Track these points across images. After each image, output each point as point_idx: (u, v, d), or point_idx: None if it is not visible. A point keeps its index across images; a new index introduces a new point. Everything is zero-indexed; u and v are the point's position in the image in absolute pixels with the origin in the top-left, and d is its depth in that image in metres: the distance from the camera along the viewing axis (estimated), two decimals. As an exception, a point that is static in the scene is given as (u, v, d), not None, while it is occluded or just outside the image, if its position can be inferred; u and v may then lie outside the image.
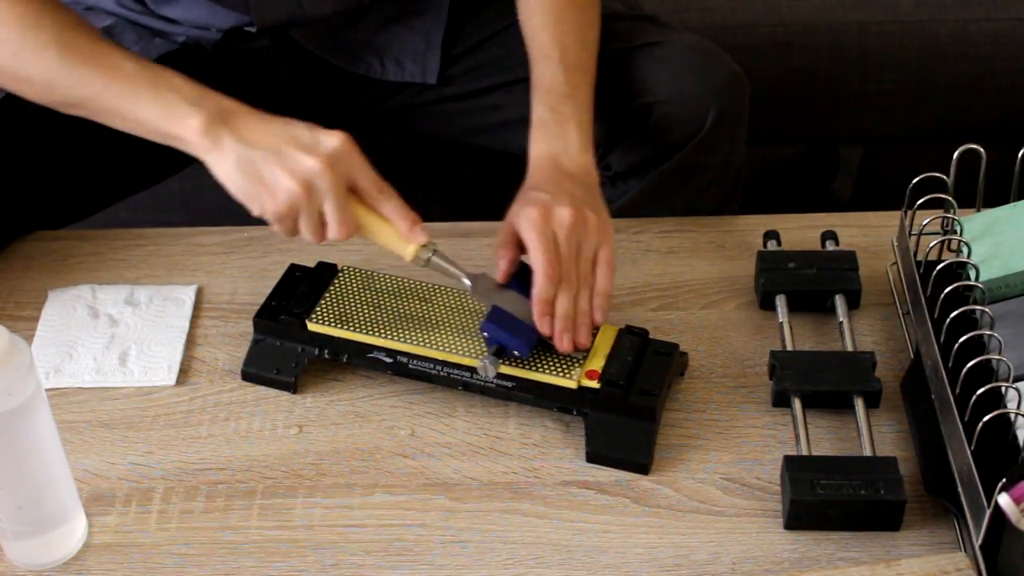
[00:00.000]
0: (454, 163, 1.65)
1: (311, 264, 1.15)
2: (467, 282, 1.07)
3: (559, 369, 1.05)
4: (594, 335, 1.07)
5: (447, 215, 1.23)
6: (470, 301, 1.11)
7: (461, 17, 1.35)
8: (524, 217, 1.05)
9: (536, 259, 1.04)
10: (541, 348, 1.06)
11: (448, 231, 1.25)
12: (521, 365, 1.05)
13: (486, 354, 1.04)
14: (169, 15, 1.28)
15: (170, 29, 1.30)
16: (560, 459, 1.05)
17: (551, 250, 1.04)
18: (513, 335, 1.04)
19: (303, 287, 1.12)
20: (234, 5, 1.25)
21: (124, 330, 1.17)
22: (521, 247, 1.07)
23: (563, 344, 1.04)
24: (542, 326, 1.04)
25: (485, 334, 1.05)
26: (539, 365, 1.05)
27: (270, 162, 1.02)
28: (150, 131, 1.07)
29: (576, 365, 1.05)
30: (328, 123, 1.46)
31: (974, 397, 0.95)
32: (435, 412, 1.09)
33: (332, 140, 1.03)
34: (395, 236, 1.05)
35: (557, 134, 1.12)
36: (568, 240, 1.05)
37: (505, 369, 1.05)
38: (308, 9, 1.26)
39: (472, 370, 1.06)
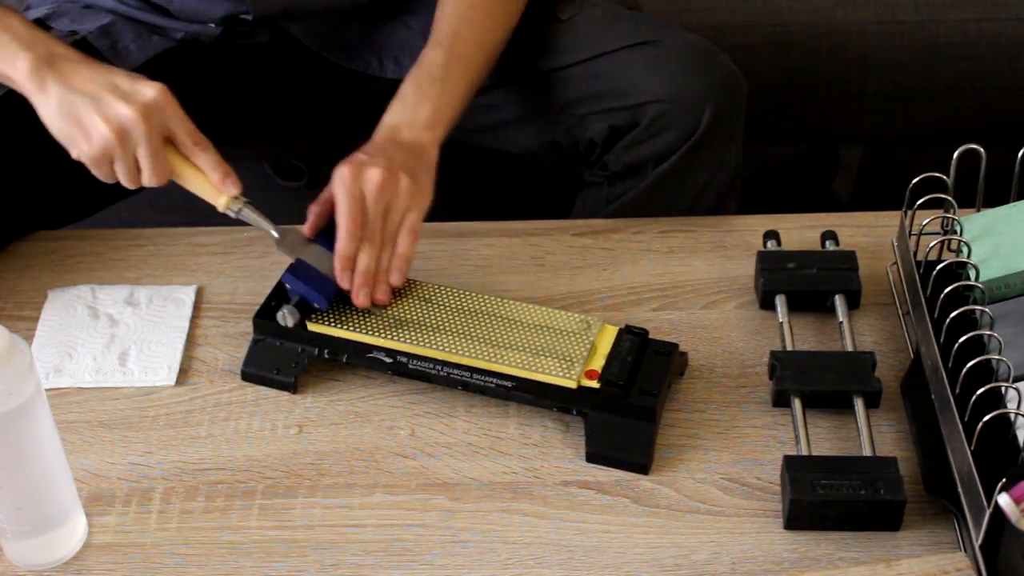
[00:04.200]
0: (453, 163, 1.65)
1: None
2: (275, 234, 1.11)
3: (559, 369, 1.05)
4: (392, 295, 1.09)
5: (446, 215, 1.23)
6: (470, 301, 1.11)
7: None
8: (336, 174, 1.09)
9: (340, 215, 1.08)
10: (342, 300, 1.09)
11: (448, 231, 1.25)
12: (521, 365, 1.05)
13: (287, 305, 1.09)
14: (164, 3, 1.28)
15: (169, 25, 1.30)
16: (560, 459, 1.05)
17: (355, 207, 1.07)
18: (313, 287, 1.08)
19: (303, 287, 1.12)
20: None
21: (124, 330, 1.17)
22: (332, 207, 1.10)
23: (359, 299, 1.08)
24: (342, 281, 1.08)
25: (287, 285, 1.09)
26: (539, 365, 1.05)
27: (88, 107, 1.07)
28: None
29: (576, 365, 1.05)
30: (328, 122, 1.47)
31: (974, 397, 0.95)
32: (435, 412, 1.09)
33: (149, 90, 1.08)
34: (209, 187, 1.11)
35: (411, 109, 1.16)
36: (376, 200, 1.08)
37: (505, 369, 1.05)
38: None
39: (472, 370, 1.06)
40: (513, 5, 1.25)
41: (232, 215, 1.11)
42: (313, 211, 1.12)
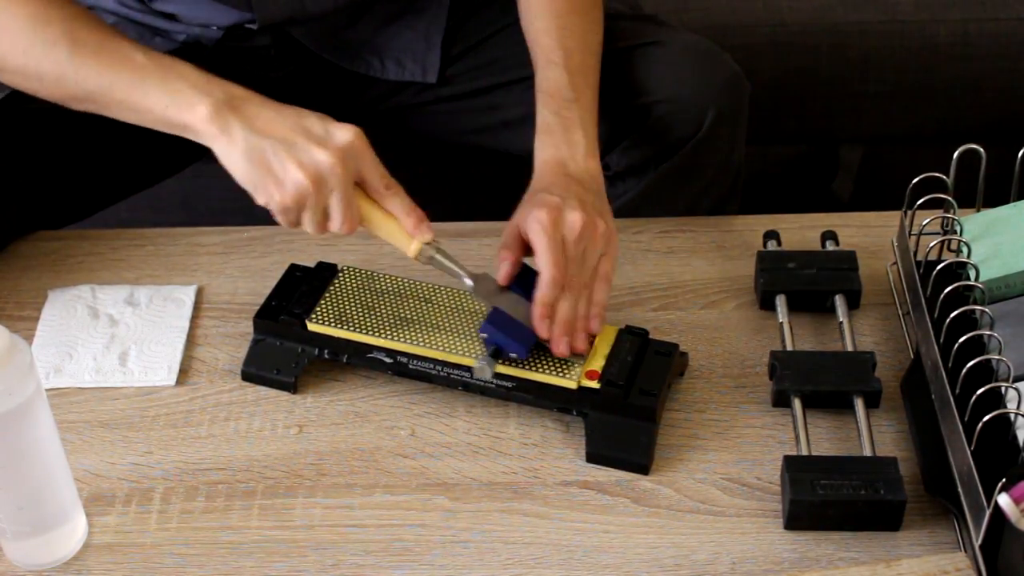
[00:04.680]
0: (454, 163, 1.65)
1: (311, 264, 1.15)
2: (469, 282, 1.06)
3: (559, 369, 1.05)
4: (590, 342, 1.07)
5: (447, 215, 1.23)
6: (470, 302, 1.11)
7: (461, 16, 1.35)
8: (533, 219, 1.04)
9: (543, 262, 1.03)
10: (538, 349, 1.05)
11: (448, 231, 1.25)
12: (521, 365, 1.05)
13: (483, 355, 1.04)
14: (170, 11, 1.28)
15: (171, 27, 1.30)
16: (560, 459, 1.05)
17: (559, 254, 1.03)
18: (512, 337, 1.04)
19: (303, 287, 1.12)
20: (236, 3, 1.25)
21: (124, 330, 1.17)
22: (523, 250, 1.07)
23: (560, 348, 1.04)
24: (541, 329, 1.04)
25: (484, 335, 1.05)
26: (539, 365, 1.05)
27: (280, 152, 1.01)
28: (159, 120, 1.06)
29: (576, 365, 1.05)
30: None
31: (974, 397, 0.95)
32: (435, 412, 1.09)
33: (345, 134, 1.02)
34: (400, 232, 1.05)
35: (563, 139, 1.12)
36: (576, 245, 1.04)
37: (505, 369, 1.05)
38: (310, 6, 1.26)
39: (472, 370, 1.06)
40: (599, 3, 1.22)
41: (422, 262, 1.06)
42: (506, 258, 1.06)
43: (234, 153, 1.03)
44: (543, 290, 1.03)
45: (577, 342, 1.04)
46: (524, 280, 1.06)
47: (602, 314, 1.06)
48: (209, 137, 1.04)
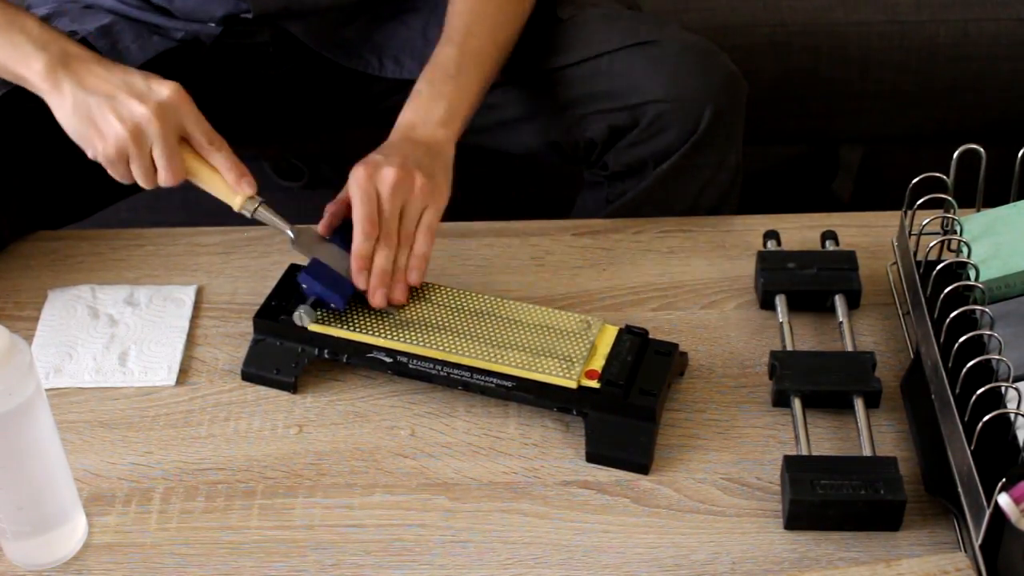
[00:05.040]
0: (453, 163, 1.65)
1: (311, 264, 1.15)
2: (290, 234, 1.11)
3: (559, 369, 1.05)
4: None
5: (446, 214, 1.23)
6: (470, 301, 1.11)
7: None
8: (351, 174, 1.09)
9: (356, 214, 1.08)
10: (357, 301, 1.08)
11: (448, 231, 1.25)
12: (521, 365, 1.05)
13: (303, 305, 1.08)
14: (165, 4, 1.28)
15: (169, 25, 1.30)
16: (560, 459, 1.05)
17: (370, 206, 1.07)
18: (329, 287, 1.08)
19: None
20: None
21: (124, 330, 1.17)
22: (349, 207, 1.10)
23: (376, 299, 1.07)
24: (358, 280, 1.07)
25: (303, 285, 1.09)
26: (539, 365, 1.05)
27: (103, 107, 1.08)
28: (1, 71, 1.13)
29: (576, 365, 1.05)
30: (328, 121, 1.47)
31: (974, 397, 0.95)
32: (435, 412, 1.09)
33: (164, 89, 1.08)
34: (224, 186, 1.11)
35: (424, 106, 1.16)
36: (391, 198, 1.08)
37: (505, 369, 1.05)
38: None
39: (472, 370, 1.06)
40: (524, 1, 1.25)
41: (247, 215, 1.11)
42: (329, 210, 1.12)
43: (64, 108, 1.10)
44: (356, 241, 1.07)
45: (394, 293, 1.08)
46: (351, 234, 1.09)
47: (422, 266, 1.10)
48: (43, 91, 1.11)
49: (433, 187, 1.11)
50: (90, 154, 1.11)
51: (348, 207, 1.10)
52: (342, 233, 1.10)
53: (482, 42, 1.20)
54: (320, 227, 1.12)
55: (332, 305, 1.09)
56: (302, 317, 1.08)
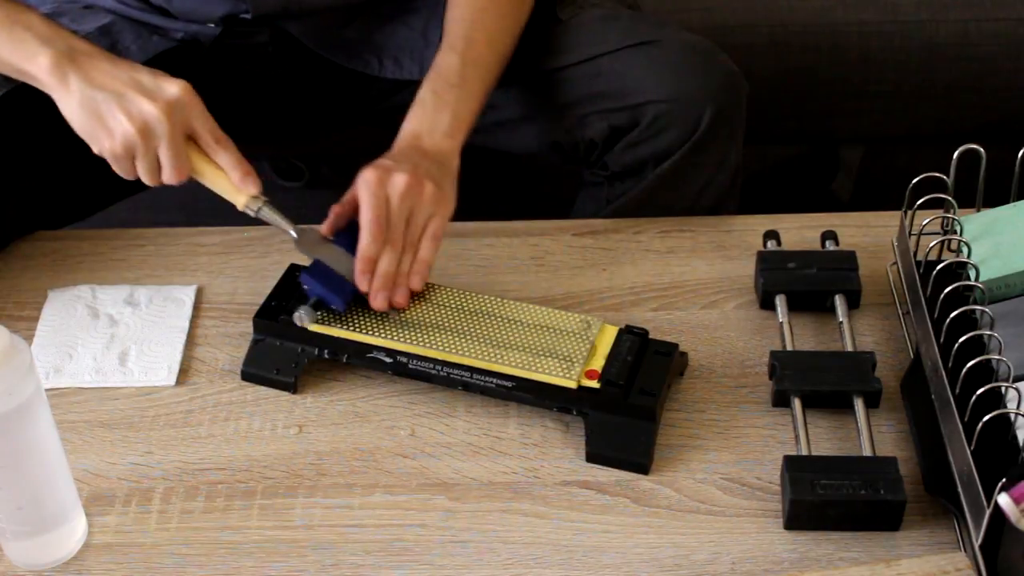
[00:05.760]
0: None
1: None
2: (294, 234, 1.11)
3: (559, 369, 1.05)
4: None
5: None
6: (470, 301, 1.11)
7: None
8: (361, 177, 1.09)
9: (364, 217, 1.08)
10: (359, 303, 1.09)
11: (448, 230, 1.24)
12: (521, 365, 1.05)
13: (304, 305, 1.08)
14: (164, 4, 1.28)
15: (168, 25, 1.30)
16: (560, 459, 1.05)
17: (380, 210, 1.08)
18: (331, 289, 1.08)
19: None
20: None
21: (124, 330, 1.17)
22: (356, 209, 1.10)
23: (377, 301, 1.08)
24: (361, 282, 1.08)
25: (305, 286, 1.09)
26: (539, 365, 1.05)
27: (111, 104, 1.08)
28: (6, 67, 1.13)
29: (576, 365, 1.05)
30: (328, 122, 1.47)
31: (974, 397, 0.95)
32: (435, 412, 1.09)
33: (173, 87, 1.08)
34: (229, 185, 1.11)
35: (429, 116, 1.16)
36: (400, 204, 1.08)
37: (505, 369, 1.05)
38: None
39: (472, 370, 1.06)
40: (522, 5, 1.25)
41: (251, 214, 1.11)
42: (334, 211, 1.12)
43: (71, 104, 1.09)
44: (364, 244, 1.07)
45: (396, 296, 1.08)
46: (354, 237, 1.09)
47: (424, 271, 1.10)
48: (49, 87, 1.10)
49: (441, 196, 1.11)
50: (96, 150, 1.11)
51: (354, 209, 1.10)
52: (345, 234, 1.10)
53: (483, 49, 1.20)
54: (324, 228, 1.12)
55: (332, 306, 1.09)
56: (302, 318, 1.08)
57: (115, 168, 1.11)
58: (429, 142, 1.15)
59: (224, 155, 1.10)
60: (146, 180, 1.11)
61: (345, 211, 1.11)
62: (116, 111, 1.07)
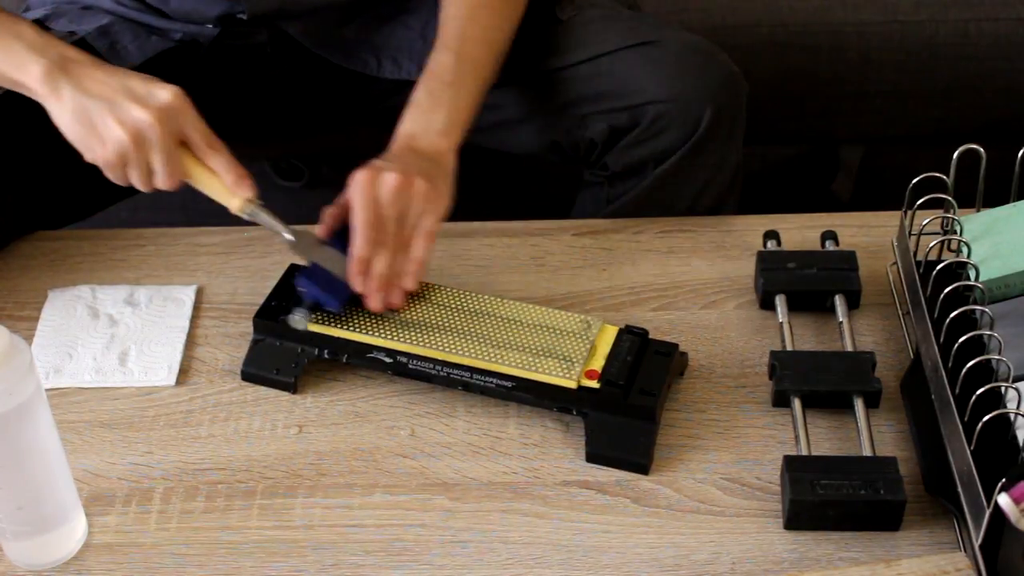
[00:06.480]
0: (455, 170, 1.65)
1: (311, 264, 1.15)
2: (289, 237, 1.11)
3: (559, 369, 1.05)
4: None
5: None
6: (470, 301, 1.11)
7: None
8: (352, 179, 1.09)
9: (356, 218, 1.08)
10: (355, 304, 1.09)
11: (448, 231, 1.25)
12: (521, 365, 1.05)
13: (299, 308, 1.08)
14: (160, 5, 1.28)
15: (166, 26, 1.30)
16: (560, 459, 1.05)
17: (371, 211, 1.08)
18: (325, 291, 1.08)
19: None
20: None
21: (124, 330, 1.17)
22: (349, 211, 1.10)
23: (373, 303, 1.08)
24: (356, 284, 1.08)
25: (302, 289, 1.09)
26: (539, 365, 1.05)
27: (103, 112, 1.08)
28: (0, 79, 1.13)
29: (576, 365, 1.05)
30: (327, 122, 1.47)
31: (974, 397, 0.95)
32: (435, 412, 1.09)
33: (164, 93, 1.08)
34: (222, 189, 1.11)
35: (424, 116, 1.16)
36: (391, 204, 1.08)
37: (505, 369, 1.05)
38: None
39: (472, 370, 1.06)
40: (517, 2, 1.25)
41: (245, 217, 1.11)
42: (328, 214, 1.12)
43: (64, 113, 1.09)
44: (357, 246, 1.07)
45: (392, 297, 1.09)
46: (346, 238, 1.09)
47: (418, 270, 1.10)
48: (41, 97, 1.10)
49: (434, 193, 1.10)
50: (88, 158, 1.10)
51: (347, 211, 1.10)
52: (341, 237, 1.10)
53: (477, 47, 1.20)
54: (319, 230, 1.11)
55: (328, 308, 1.09)
56: (299, 321, 1.08)
57: (108, 175, 1.11)
58: (424, 142, 1.15)
59: (217, 159, 1.10)
60: (139, 186, 1.11)
61: (339, 213, 1.11)
62: (108, 119, 1.07)
